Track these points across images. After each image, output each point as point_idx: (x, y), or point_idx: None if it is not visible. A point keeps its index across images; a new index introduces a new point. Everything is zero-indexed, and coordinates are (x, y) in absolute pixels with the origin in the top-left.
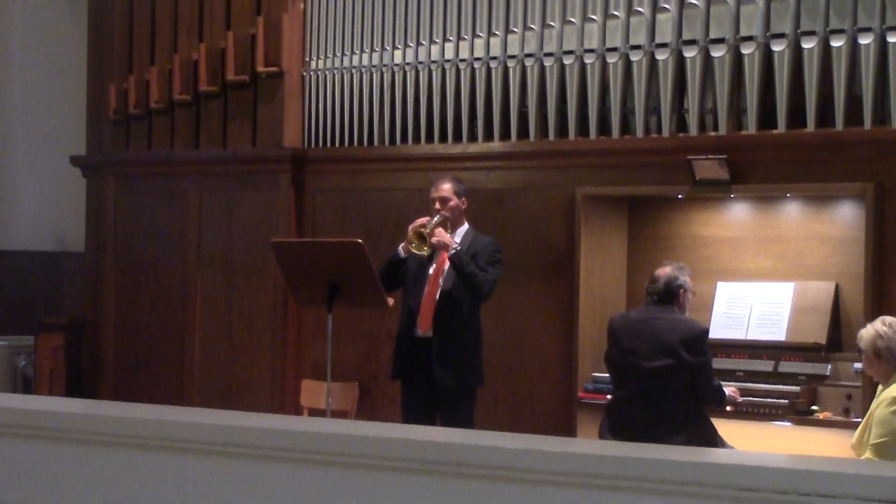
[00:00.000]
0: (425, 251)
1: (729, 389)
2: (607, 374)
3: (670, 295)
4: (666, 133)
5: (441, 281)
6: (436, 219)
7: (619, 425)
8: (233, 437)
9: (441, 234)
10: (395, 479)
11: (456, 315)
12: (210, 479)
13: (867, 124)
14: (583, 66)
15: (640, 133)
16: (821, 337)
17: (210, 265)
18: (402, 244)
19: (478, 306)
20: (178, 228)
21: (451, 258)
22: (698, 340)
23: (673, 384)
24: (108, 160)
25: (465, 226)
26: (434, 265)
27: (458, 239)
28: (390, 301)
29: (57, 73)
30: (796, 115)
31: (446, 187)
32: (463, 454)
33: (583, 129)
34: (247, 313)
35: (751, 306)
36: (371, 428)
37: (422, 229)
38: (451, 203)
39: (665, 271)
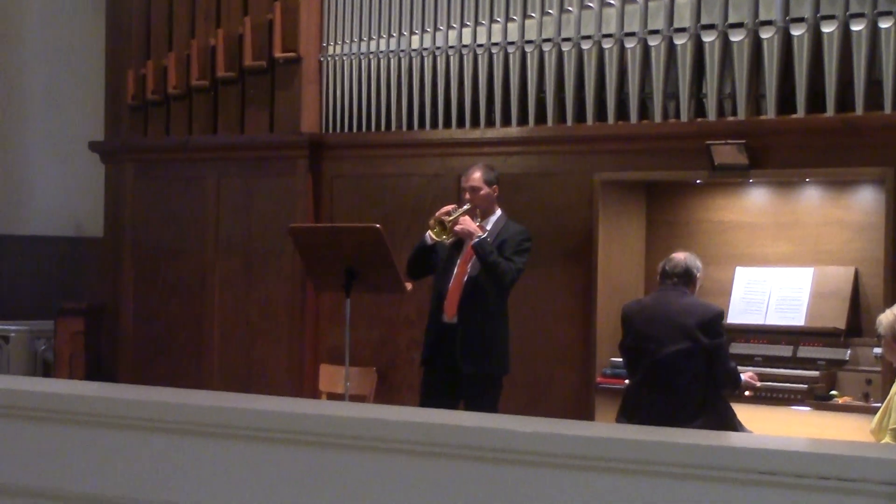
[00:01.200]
0: (445, 238)
1: (746, 375)
2: None
3: (689, 278)
4: (684, 118)
5: (468, 268)
6: (463, 207)
7: (636, 411)
8: (253, 420)
9: (466, 223)
10: (413, 463)
11: (481, 302)
12: (230, 463)
13: (887, 108)
14: (601, 51)
15: (658, 118)
16: (840, 322)
17: (228, 251)
18: (428, 233)
19: (505, 295)
20: (196, 214)
21: (473, 247)
22: (715, 322)
23: (691, 368)
24: (126, 146)
25: (497, 213)
26: (463, 252)
27: (489, 226)
28: (408, 286)
29: (75, 59)
30: (816, 99)
31: (476, 176)
32: (480, 438)
33: (601, 114)
34: (265, 299)
35: (769, 292)
36: (390, 411)
37: (445, 217)
38: (482, 192)
39: (683, 254)
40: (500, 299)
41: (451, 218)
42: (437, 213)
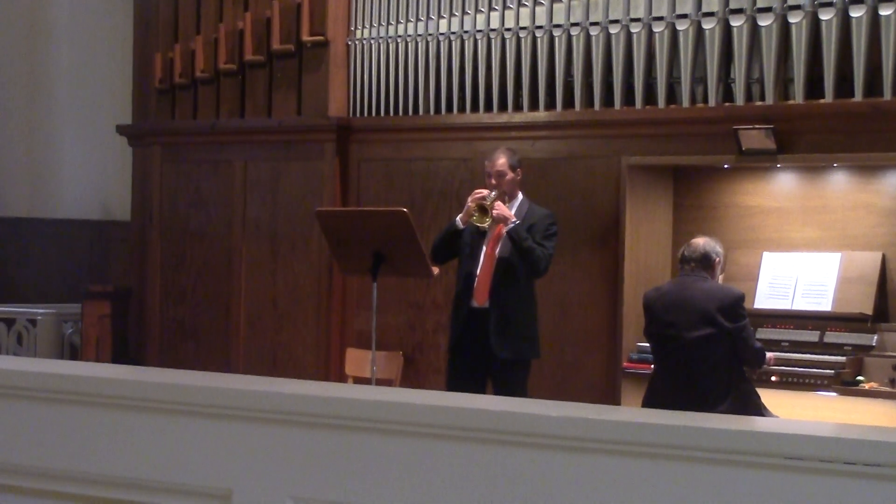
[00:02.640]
0: (487, 223)
1: (768, 354)
2: None
3: (708, 262)
4: (712, 103)
5: (497, 253)
6: (493, 192)
7: (661, 396)
8: (279, 403)
9: (501, 208)
10: (440, 447)
11: (513, 286)
12: (256, 446)
13: None
14: (629, 35)
15: (686, 103)
16: (867, 307)
17: (255, 234)
18: (460, 215)
19: (534, 278)
20: (224, 198)
21: (509, 233)
22: (736, 306)
23: (714, 353)
24: (153, 129)
25: (520, 197)
26: (489, 236)
27: (513, 210)
28: (435, 270)
29: (103, 43)
30: (844, 84)
31: (502, 161)
32: (508, 422)
33: (629, 98)
34: (292, 282)
35: (797, 276)
36: (416, 395)
37: (483, 201)
38: (508, 177)
39: (703, 240)
40: (529, 283)
41: (488, 203)
42: (472, 199)
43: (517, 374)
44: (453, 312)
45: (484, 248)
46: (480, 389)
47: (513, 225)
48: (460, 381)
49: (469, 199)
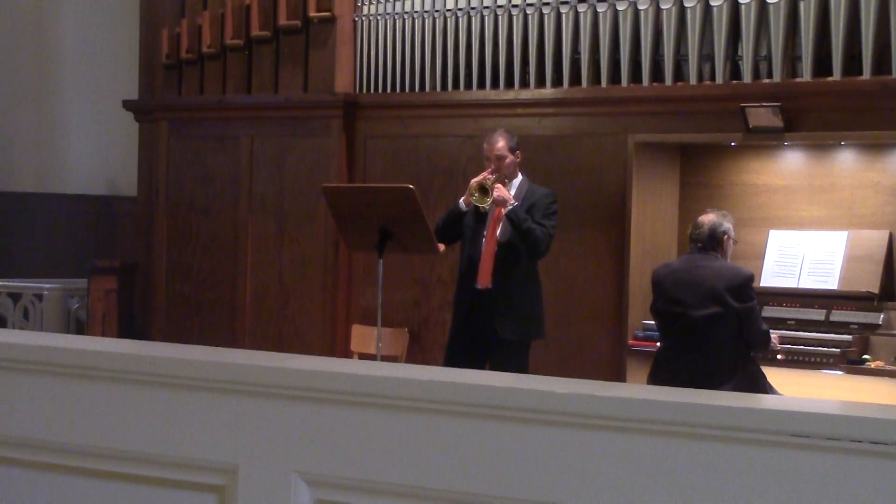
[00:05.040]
0: (488, 203)
1: (773, 336)
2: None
3: (714, 241)
4: (720, 80)
5: (498, 234)
6: (494, 175)
7: (667, 374)
8: (285, 379)
9: (500, 190)
10: (444, 423)
11: (515, 267)
12: (262, 421)
13: None
14: (636, 12)
15: (693, 80)
16: (873, 286)
17: (261, 210)
18: (464, 197)
19: (536, 259)
20: (230, 173)
21: (508, 215)
22: (745, 286)
23: (721, 332)
24: (160, 105)
25: (519, 177)
26: (489, 218)
27: (512, 191)
28: (441, 247)
29: (109, 18)
30: (852, 62)
31: (500, 145)
32: (513, 398)
33: (636, 75)
34: (298, 259)
35: (803, 255)
36: (422, 371)
37: (484, 182)
38: (507, 160)
39: (709, 217)
40: (532, 264)
41: (489, 184)
42: (474, 181)
43: (518, 355)
44: (457, 295)
45: (485, 231)
46: (481, 367)
47: (511, 207)
48: (460, 360)
49: (471, 181)
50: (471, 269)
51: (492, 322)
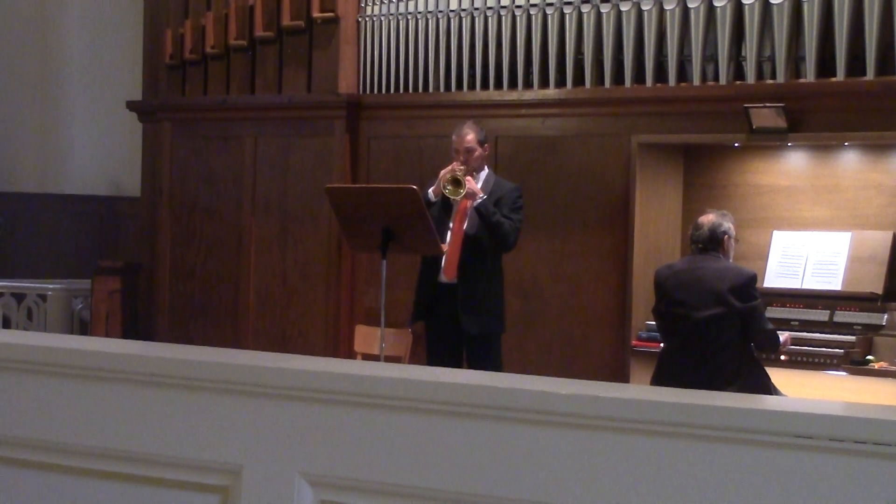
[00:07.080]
0: (460, 195)
1: (783, 336)
2: None
3: (715, 242)
4: (723, 81)
5: (465, 227)
6: (462, 167)
7: (671, 375)
8: (288, 379)
9: (470, 183)
10: (447, 424)
11: (480, 262)
12: (264, 422)
13: None
14: (640, 13)
15: (696, 81)
16: (877, 287)
17: (265, 211)
18: (433, 188)
19: (501, 253)
20: (234, 174)
21: (477, 208)
22: (747, 286)
23: (724, 333)
24: (164, 105)
25: (486, 170)
26: (454, 211)
27: (479, 184)
28: (444, 248)
29: (113, 19)
30: (855, 62)
31: (470, 137)
32: (517, 399)
33: (639, 76)
34: (301, 259)
35: (807, 256)
36: (425, 372)
37: (456, 174)
38: (476, 153)
39: (708, 218)
40: (496, 258)
41: (460, 176)
42: (444, 172)
43: (489, 347)
44: (419, 285)
45: (451, 224)
46: (458, 362)
47: (480, 200)
48: (438, 356)
49: (441, 172)
50: (435, 262)
51: (455, 316)
